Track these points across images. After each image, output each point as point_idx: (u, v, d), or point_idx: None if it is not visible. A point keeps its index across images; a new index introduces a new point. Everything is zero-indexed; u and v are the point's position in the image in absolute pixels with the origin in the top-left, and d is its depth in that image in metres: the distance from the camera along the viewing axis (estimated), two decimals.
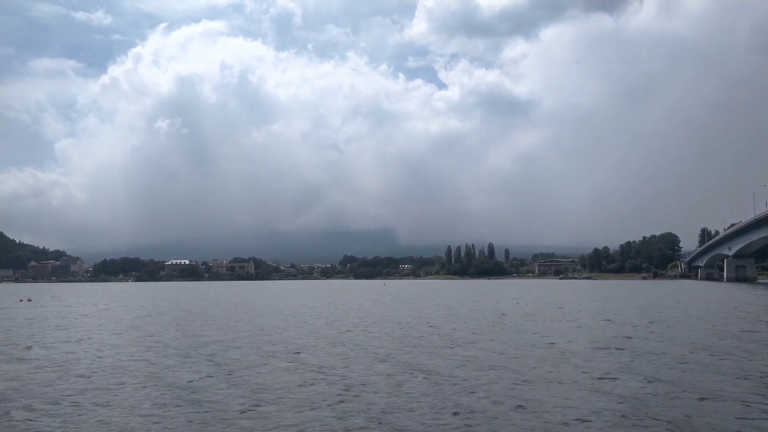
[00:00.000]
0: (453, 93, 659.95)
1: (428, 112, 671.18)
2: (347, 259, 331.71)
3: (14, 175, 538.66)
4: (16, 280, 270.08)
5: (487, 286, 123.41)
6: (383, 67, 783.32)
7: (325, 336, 24.96)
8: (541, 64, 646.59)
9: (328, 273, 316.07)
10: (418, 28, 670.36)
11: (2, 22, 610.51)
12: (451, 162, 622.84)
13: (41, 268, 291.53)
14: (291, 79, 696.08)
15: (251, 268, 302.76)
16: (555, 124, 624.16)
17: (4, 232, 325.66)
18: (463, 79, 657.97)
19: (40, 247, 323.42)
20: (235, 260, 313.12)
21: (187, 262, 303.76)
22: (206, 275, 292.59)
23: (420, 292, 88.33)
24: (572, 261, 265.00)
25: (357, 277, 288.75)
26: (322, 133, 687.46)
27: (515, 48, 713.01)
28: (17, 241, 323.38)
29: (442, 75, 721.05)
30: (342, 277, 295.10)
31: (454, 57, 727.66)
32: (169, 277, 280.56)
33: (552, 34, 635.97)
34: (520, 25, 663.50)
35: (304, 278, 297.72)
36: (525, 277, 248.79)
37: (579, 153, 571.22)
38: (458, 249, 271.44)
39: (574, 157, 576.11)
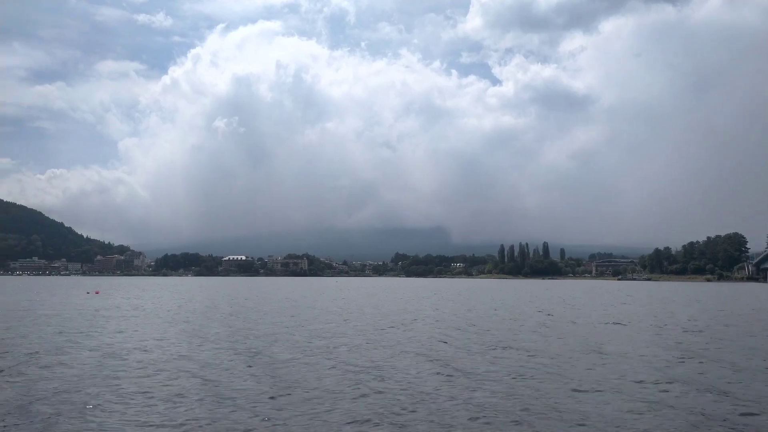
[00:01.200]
0: (507, 89, 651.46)
1: (482, 109, 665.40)
2: (399, 257, 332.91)
3: (81, 173, 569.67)
4: (84, 274, 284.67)
5: (541, 286, 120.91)
6: (436, 63, 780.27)
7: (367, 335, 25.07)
8: (599, 58, 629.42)
9: (380, 270, 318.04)
10: (472, 23, 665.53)
11: (69, 26, 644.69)
12: (504, 159, 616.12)
13: (107, 262, 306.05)
14: (344, 77, 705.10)
15: (305, 264, 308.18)
16: (614, 119, 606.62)
17: (73, 228, 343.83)
18: (517, 75, 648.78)
19: (106, 242, 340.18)
20: (289, 256, 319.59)
21: (243, 257, 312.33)
22: (261, 271, 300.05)
23: (468, 291, 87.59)
24: (631, 261, 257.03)
25: (409, 275, 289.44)
26: (375, 131, 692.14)
27: (573, 41, 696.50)
28: (84, 236, 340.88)
29: (496, 71, 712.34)
30: (394, 275, 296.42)
31: (509, 52, 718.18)
32: (227, 273, 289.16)
33: (612, 26, 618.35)
34: (578, 17, 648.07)
35: (356, 275, 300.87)
36: (581, 277, 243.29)
37: (639, 149, 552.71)
38: (511, 248, 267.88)
39: (633, 153, 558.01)
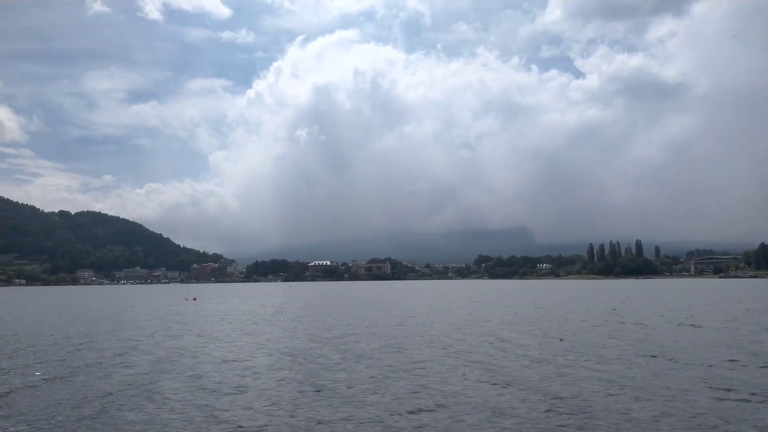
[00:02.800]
0: (591, 81, 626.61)
1: (564, 103, 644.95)
2: (482, 259, 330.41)
3: (175, 187, 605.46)
4: (182, 281, 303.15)
5: (643, 287, 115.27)
6: (515, 60, 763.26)
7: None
8: (692, 43, 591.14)
9: (462, 273, 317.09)
10: (552, 15, 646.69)
11: (161, 49, 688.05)
12: (590, 154, 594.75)
13: (202, 270, 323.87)
14: (421, 81, 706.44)
15: (387, 268, 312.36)
16: (710, 107, 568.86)
17: (171, 238, 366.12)
18: (602, 66, 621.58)
19: (201, 250, 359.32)
20: (372, 261, 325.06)
21: (328, 263, 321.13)
22: (346, 275, 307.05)
23: (567, 293, 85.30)
24: (734, 258, 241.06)
25: (492, 277, 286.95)
26: (454, 132, 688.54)
27: (661, 27, 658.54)
28: (181, 246, 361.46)
29: (579, 63, 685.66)
30: (477, 277, 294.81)
31: (592, 43, 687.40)
32: (313, 277, 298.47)
33: (704, 7, 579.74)
34: (667, 1, 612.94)
35: (438, 278, 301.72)
36: (679, 276, 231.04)
37: (739, 138, 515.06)
38: (601, 247, 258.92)
39: (733, 142, 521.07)
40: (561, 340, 23.68)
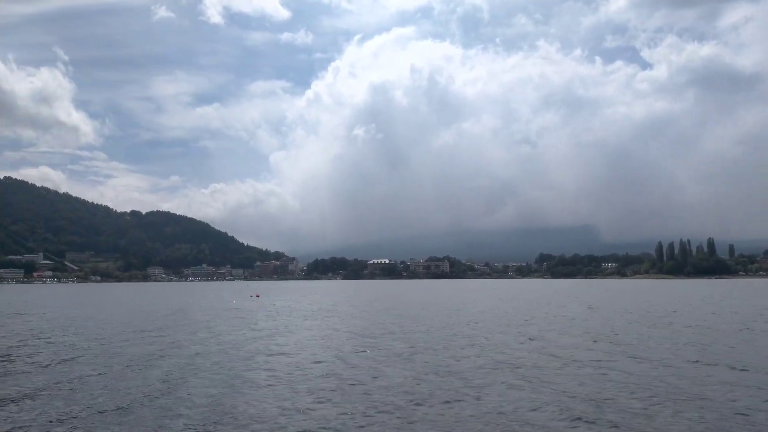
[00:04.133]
0: (659, 72, 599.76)
1: (630, 96, 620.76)
2: (543, 258, 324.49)
3: (237, 187, 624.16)
4: (245, 279, 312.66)
5: (705, 287, 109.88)
6: (577, 51, 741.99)
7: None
8: None
9: (523, 272, 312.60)
10: (616, 4, 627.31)
11: (224, 52, 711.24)
12: (659, 148, 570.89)
13: (265, 267, 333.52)
14: (478, 76, 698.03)
15: (446, 266, 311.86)
16: None
17: (235, 237, 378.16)
18: (671, 56, 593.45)
19: (264, 248, 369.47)
20: (431, 259, 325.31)
21: (386, 261, 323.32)
22: (404, 274, 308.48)
23: (639, 293, 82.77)
24: None
25: (554, 276, 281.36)
26: (513, 128, 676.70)
27: (735, 13, 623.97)
28: (245, 244, 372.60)
29: (646, 53, 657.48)
30: (538, 276, 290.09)
31: (659, 32, 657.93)
32: (371, 276, 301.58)
33: None
34: None
35: (498, 277, 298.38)
36: (755, 276, 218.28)
37: None
38: (671, 245, 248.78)
39: None
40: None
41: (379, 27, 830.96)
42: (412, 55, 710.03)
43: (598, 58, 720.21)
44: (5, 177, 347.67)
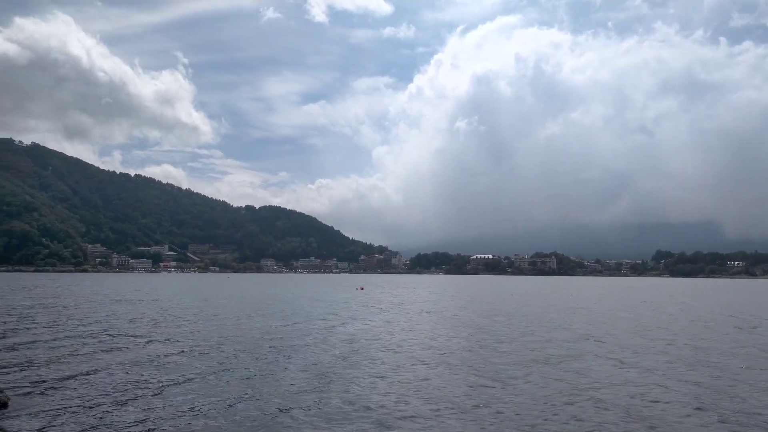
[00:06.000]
0: None
1: (761, 79, 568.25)
2: (661, 255, 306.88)
3: (341, 182, 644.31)
4: (351, 272, 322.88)
5: None
6: (698, 33, 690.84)
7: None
8: None
9: (638, 270, 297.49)
10: None
11: (329, 52, 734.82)
12: None
13: (369, 261, 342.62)
14: (588, 63, 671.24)
15: (553, 263, 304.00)
16: None
17: (341, 231, 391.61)
18: None
19: (368, 242, 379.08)
20: (537, 255, 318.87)
21: (490, 256, 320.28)
22: (509, 269, 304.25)
23: None
24: None
25: (673, 274, 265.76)
26: (627, 116, 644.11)
27: None
28: (350, 238, 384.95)
29: None
30: (655, 275, 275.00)
31: None
32: (474, 271, 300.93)
33: None
34: None
35: (610, 275, 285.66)
36: None
37: None
38: None
39: None
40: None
41: (482, 16, 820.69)
42: (516, 44, 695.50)
43: (722, 39, 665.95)
44: (135, 174, 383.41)
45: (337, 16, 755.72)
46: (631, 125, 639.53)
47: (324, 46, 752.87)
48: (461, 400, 13.03)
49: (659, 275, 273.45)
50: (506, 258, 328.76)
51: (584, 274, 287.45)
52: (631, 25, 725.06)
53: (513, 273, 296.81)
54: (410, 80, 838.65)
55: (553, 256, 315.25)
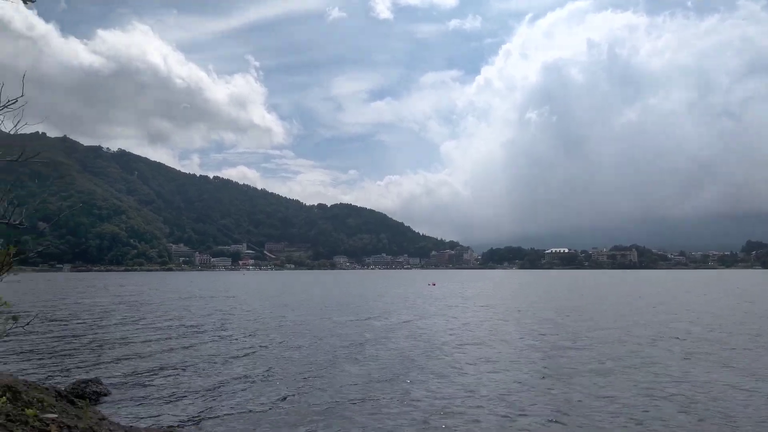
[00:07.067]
0: None
1: None
2: (752, 246, 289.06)
3: (410, 178, 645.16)
4: (422, 267, 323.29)
5: None
6: None
7: None
8: None
9: (727, 261, 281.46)
10: None
11: (395, 48, 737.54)
12: None
13: (440, 256, 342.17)
14: (666, 45, 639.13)
15: (634, 256, 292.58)
16: None
17: (411, 227, 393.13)
18: None
19: (438, 238, 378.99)
20: (616, 248, 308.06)
21: (566, 250, 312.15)
22: (586, 263, 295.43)
23: None
24: None
25: (765, 267, 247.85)
26: (711, 100, 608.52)
27: None
28: (420, 234, 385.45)
29: None
30: (745, 267, 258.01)
31: None
32: (550, 265, 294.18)
33: None
34: None
35: (696, 267, 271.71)
36: None
37: None
38: None
39: None
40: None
41: (551, 3, 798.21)
42: (588, 30, 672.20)
43: None
44: (214, 177, 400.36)
45: (402, 11, 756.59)
46: (716, 109, 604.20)
47: (390, 42, 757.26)
48: (539, 408, 11.80)
49: (750, 267, 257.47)
50: (583, 252, 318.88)
51: (667, 267, 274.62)
52: (711, 3, 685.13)
53: (590, 267, 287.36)
54: (477, 72, 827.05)
55: (633, 249, 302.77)
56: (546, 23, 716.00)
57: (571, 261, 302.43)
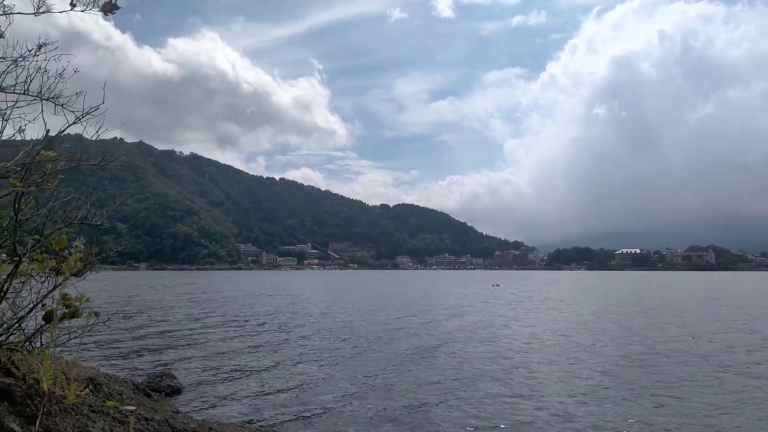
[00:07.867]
0: None
1: None
2: None
3: (472, 177, 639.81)
4: (485, 268, 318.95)
5: None
6: None
7: None
8: None
9: None
10: None
11: (458, 47, 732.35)
12: None
13: (504, 257, 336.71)
14: (745, 35, 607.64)
15: (711, 257, 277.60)
16: None
17: (473, 227, 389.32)
18: None
19: (502, 238, 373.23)
20: (691, 249, 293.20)
21: (638, 251, 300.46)
22: (659, 265, 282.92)
23: None
24: None
25: None
26: None
27: None
28: (483, 234, 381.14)
29: None
30: None
31: None
32: (620, 267, 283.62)
33: None
34: None
35: None
36: None
37: None
38: None
39: None
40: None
41: None
42: (660, 22, 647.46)
43: None
44: (280, 178, 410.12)
45: (464, 9, 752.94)
46: None
47: (451, 41, 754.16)
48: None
49: None
50: (656, 252, 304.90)
51: (748, 269, 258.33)
52: None
53: (664, 268, 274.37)
54: (542, 69, 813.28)
55: (710, 250, 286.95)
56: (615, 16, 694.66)
57: (643, 262, 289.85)
